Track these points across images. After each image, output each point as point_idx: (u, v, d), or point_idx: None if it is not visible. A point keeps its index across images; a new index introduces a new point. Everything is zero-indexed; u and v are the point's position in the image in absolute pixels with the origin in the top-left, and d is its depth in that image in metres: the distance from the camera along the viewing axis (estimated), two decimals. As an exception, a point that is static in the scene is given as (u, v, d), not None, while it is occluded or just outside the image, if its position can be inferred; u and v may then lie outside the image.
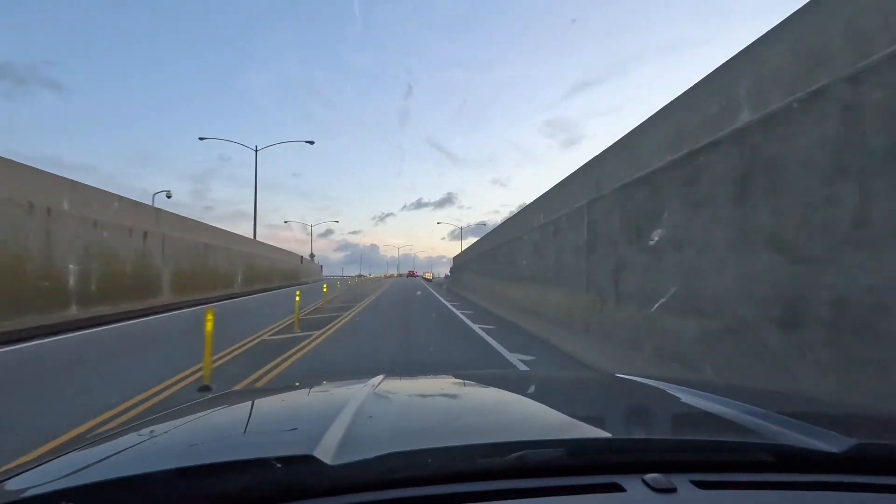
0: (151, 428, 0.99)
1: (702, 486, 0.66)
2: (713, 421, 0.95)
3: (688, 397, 1.13)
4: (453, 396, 1.28)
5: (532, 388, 1.37)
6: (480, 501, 0.63)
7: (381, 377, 1.33)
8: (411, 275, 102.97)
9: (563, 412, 1.09)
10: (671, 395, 1.20)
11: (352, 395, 1.09)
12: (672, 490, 0.63)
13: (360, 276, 76.84)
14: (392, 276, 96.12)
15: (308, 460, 0.66)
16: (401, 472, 0.67)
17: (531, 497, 0.63)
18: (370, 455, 0.67)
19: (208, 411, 1.13)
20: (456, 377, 1.55)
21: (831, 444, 0.75)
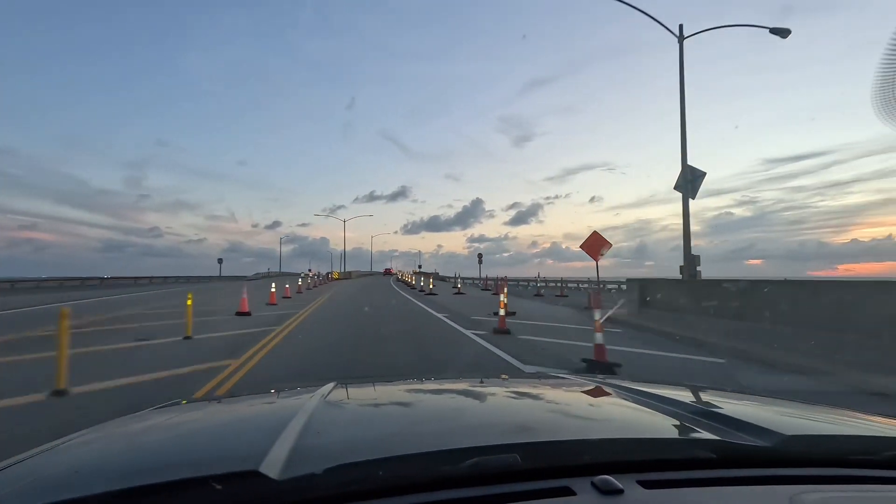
0: (81, 444, 0.92)
1: (647, 485, 0.68)
2: (659, 420, 0.98)
3: (635, 398, 1.17)
4: (406, 404, 1.26)
5: (486, 393, 1.38)
6: None
7: (331, 385, 1.30)
8: (387, 272, 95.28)
9: (516, 416, 1.10)
10: (620, 396, 1.23)
11: (300, 405, 1.06)
12: (619, 492, 0.65)
13: (309, 272, 65.76)
14: (338, 276, 66.42)
15: (253, 477, 0.63)
16: (352, 485, 0.65)
17: None
18: (320, 468, 0.65)
19: (145, 425, 1.07)
20: (408, 383, 1.54)
21: (765, 438, 0.79)
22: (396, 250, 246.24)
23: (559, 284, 32.51)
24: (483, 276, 39.16)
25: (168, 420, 1.16)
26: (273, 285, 18.09)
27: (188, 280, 54.35)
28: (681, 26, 12.84)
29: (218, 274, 63.38)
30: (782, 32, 12.04)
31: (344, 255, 78.42)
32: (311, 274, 55.08)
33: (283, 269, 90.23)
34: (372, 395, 1.37)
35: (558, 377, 1.67)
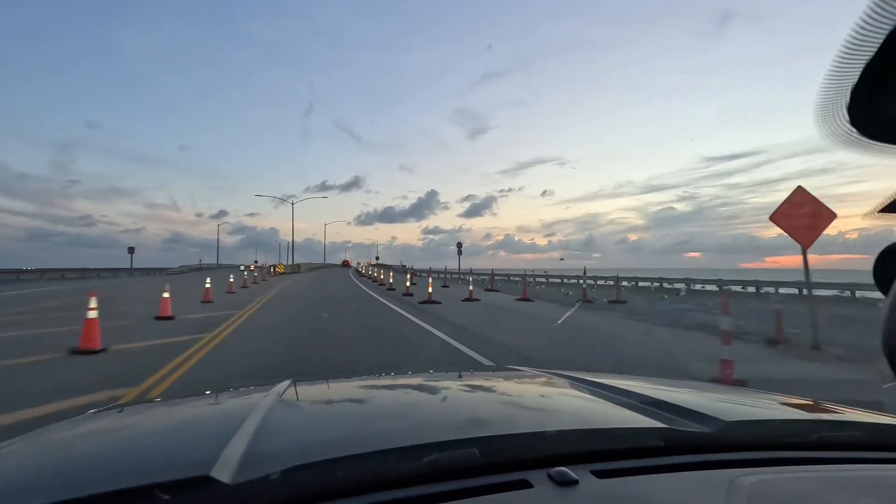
0: (20, 450, 0.86)
1: (600, 475, 0.70)
2: (611, 411, 1.01)
3: (588, 388, 1.20)
4: (364, 401, 1.25)
5: (443, 387, 1.38)
6: None
7: (287, 382, 1.27)
8: (345, 264, 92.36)
9: (473, 410, 1.11)
10: (574, 387, 1.26)
11: (255, 404, 1.02)
12: (574, 482, 0.66)
13: (255, 262, 55.03)
14: (283, 269, 52.29)
15: (204, 482, 0.61)
16: (309, 487, 0.63)
17: (444, 501, 0.63)
18: (274, 471, 0.63)
19: (80, 431, 1.01)
20: (366, 379, 1.52)
21: (708, 425, 0.83)
22: (350, 241, 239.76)
23: (546, 279, 29.83)
24: (461, 268, 34.18)
25: (108, 424, 1.09)
26: (167, 290, 10.87)
27: (100, 274, 44.14)
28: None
29: (129, 266, 49.69)
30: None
31: (292, 244, 65.65)
32: (252, 267, 46.71)
33: (229, 261, 78.13)
34: (329, 393, 1.34)
35: (515, 370, 1.70)
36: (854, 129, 0.31)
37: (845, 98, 0.30)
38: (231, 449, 0.71)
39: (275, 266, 52.76)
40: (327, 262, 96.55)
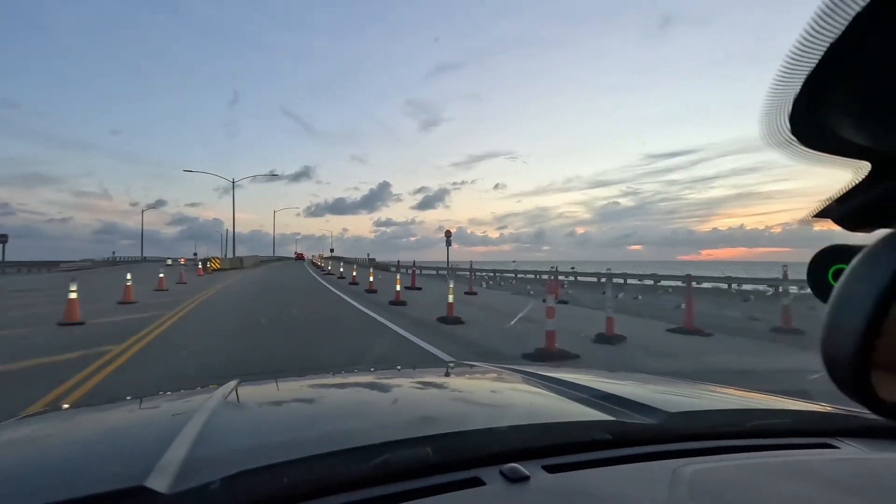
0: None
1: (551, 470, 0.71)
2: (562, 405, 1.03)
3: (540, 383, 1.22)
4: (314, 401, 1.22)
5: (396, 385, 1.36)
6: None
7: (234, 382, 1.22)
8: (300, 257, 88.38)
9: (424, 407, 1.11)
10: (526, 381, 1.27)
11: (198, 406, 0.97)
12: (526, 478, 0.67)
13: (194, 256, 46.48)
14: (219, 264, 36.95)
15: (139, 493, 0.57)
16: (253, 494, 0.61)
17: (397, 502, 0.62)
18: (215, 478, 0.60)
19: (8, 437, 0.94)
20: (317, 378, 1.48)
21: (653, 416, 0.87)
22: (299, 233, 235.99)
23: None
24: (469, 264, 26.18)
25: (33, 432, 1.02)
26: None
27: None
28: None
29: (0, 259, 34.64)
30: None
31: (234, 233, 48.29)
32: (184, 261, 38.75)
33: (168, 253, 66.96)
34: (278, 393, 1.29)
35: (469, 365, 1.70)
36: (795, 139, 0.32)
37: (787, 108, 0.30)
38: (169, 456, 0.68)
39: (207, 260, 36.06)
40: (277, 254, 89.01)
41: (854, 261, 0.32)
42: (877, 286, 0.29)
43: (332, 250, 74.14)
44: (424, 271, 29.21)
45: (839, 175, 0.35)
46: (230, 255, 44.78)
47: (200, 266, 30.30)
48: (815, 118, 0.30)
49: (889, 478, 0.75)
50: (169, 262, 39.66)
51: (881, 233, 0.32)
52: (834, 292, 0.32)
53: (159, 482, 0.59)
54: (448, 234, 24.57)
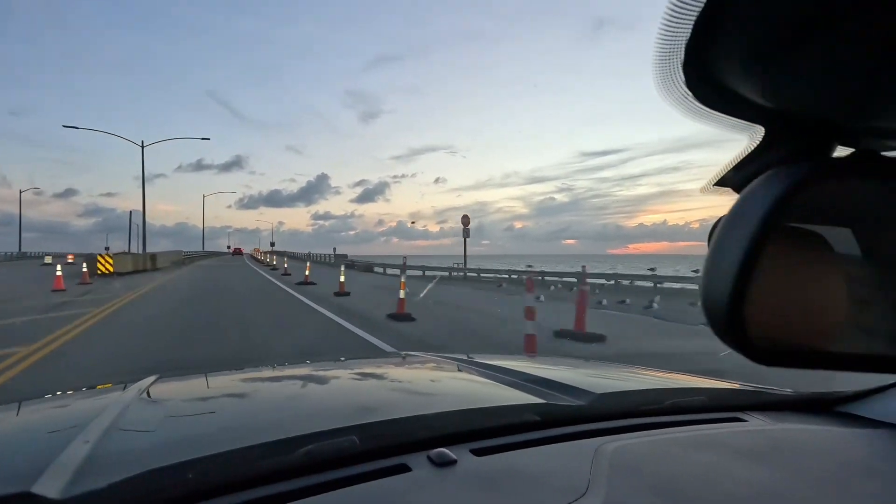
0: None
1: (478, 453, 0.72)
2: (493, 390, 1.05)
3: (477, 370, 1.23)
4: (240, 395, 1.17)
5: (328, 377, 1.34)
6: None
7: (152, 378, 1.15)
8: (237, 252, 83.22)
9: (354, 397, 1.09)
10: (462, 369, 1.28)
11: (109, 403, 0.91)
12: (453, 462, 0.68)
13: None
14: (111, 266, 19.85)
15: (23, 499, 0.53)
16: (152, 495, 0.57)
17: (321, 492, 0.61)
18: (111, 480, 0.56)
19: None
20: (245, 372, 1.43)
21: (581, 398, 0.90)
22: (231, 226, 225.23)
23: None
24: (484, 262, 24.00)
25: None
26: None
27: None
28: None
29: None
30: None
31: (143, 221, 32.83)
32: (70, 259, 25.10)
33: (80, 249, 52.61)
34: (201, 389, 1.23)
35: (409, 355, 1.69)
36: (690, 93, 0.30)
37: (680, 55, 0.28)
38: (65, 458, 0.63)
39: (94, 259, 20.67)
40: (208, 248, 77.19)
41: (731, 207, 0.32)
42: (749, 230, 0.30)
43: (272, 244, 69.95)
44: (428, 273, 21.31)
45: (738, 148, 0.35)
46: (134, 251, 31.97)
47: (86, 268, 17.37)
48: (706, 68, 0.28)
49: (789, 445, 0.81)
50: (48, 259, 28.61)
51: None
52: (712, 240, 0.32)
53: (49, 486, 0.54)
54: (465, 219, 20.43)
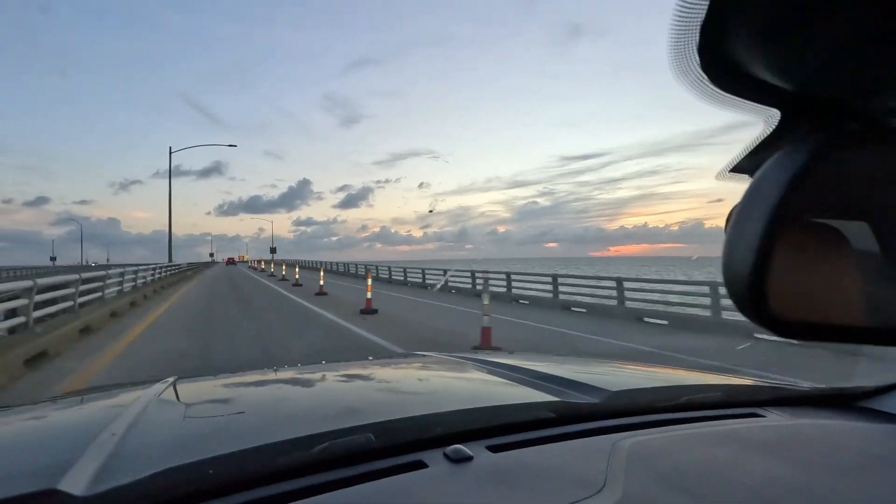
0: None
1: (494, 449, 0.72)
2: (507, 388, 1.05)
3: (489, 369, 1.24)
4: (256, 395, 1.18)
5: (343, 376, 1.35)
6: None
7: (171, 379, 1.17)
8: (231, 261, 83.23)
9: (368, 395, 1.10)
10: (475, 368, 1.29)
11: (128, 404, 0.93)
12: (469, 458, 0.68)
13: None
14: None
15: (49, 496, 0.54)
16: (174, 492, 0.58)
17: (338, 488, 0.61)
18: (134, 477, 0.57)
19: None
20: (260, 373, 1.45)
21: (595, 395, 0.90)
22: (210, 233, 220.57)
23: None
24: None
25: None
26: None
27: None
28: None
29: None
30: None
31: (170, 236, 29.33)
32: None
33: (46, 261, 44.83)
34: (217, 389, 1.25)
35: (419, 355, 1.69)
36: (705, 76, 0.30)
37: (695, 37, 0.27)
38: (89, 456, 0.64)
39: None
40: (187, 259, 57.04)
41: (751, 181, 0.32)
42: (769, 205, 0.30)
43: (273, 249, 62.88)
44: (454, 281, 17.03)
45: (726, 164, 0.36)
46: (122, 260, 21.08)
47: None
48: (721, 49, 0.28)
49: (808, 440, 0.80)
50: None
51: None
52: (732, 216, 0.32)
53: (74, 484, 0.56)
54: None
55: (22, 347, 5.30)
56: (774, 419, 0.88)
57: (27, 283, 6.11)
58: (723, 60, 0.29)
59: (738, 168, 0.37)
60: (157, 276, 17.35)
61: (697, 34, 0.27)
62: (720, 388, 1.03)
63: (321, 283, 15.47)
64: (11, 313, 5.94)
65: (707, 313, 8.41)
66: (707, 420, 0.87)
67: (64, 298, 7.73)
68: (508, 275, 14.35)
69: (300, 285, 18.93)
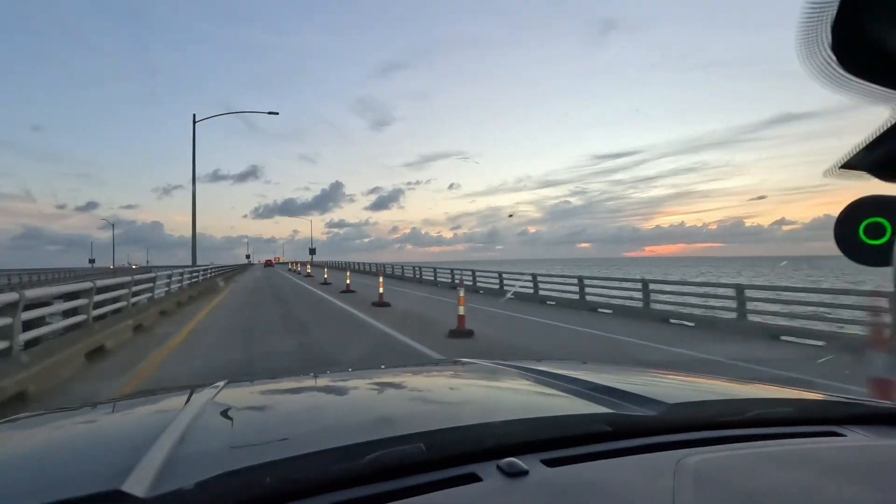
0: None
1: (550, 464, 0.69)
2: (558, 399, 1.02)
3: (535, 377, 1.20)
4: (304, 401, 1.18)
5: (389, 383, 1.34)
6: None
7: (222, 383, 1.18)
8: (269, 263, 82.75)
9: (417, 403, 1.09)
10: (521, 376, 1.25)
11: (182, 407, 0.94)
12: (524, 473, 0.65)
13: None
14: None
15: (114, 497, 0.55)
16: (235, 495, 0.58)
17: (390, 501, 0.60)
18: (194, 481, 0.57)
19: None
20: (307, 378, 1.45)
21: (652, 408, 0.85)
22: (246, 236, 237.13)
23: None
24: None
25: (16, 436, 0.98)
26: None
27: None
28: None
29: None
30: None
31: (194, 238, 22.00)
32: None
33: (99, 262, 44.08)
34: (267, 394, 1.26)
35: (463, 362, 1.64)
36: (833, 58, 0.27)
37: (831, 13, 0.25)
38: (149, 458, 0.65)
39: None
40: (217, 262, 56.25)
41: None
42: None
43: (312, 250, 61.23)
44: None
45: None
46: (167, 262, 20.61)
47: None
48: (860, 26, 0.25)
49: (894, 463, 0.74)
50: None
51: None
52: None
53: (137, 485, 0.56)
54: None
55: (83, 342, 6.22)
56: (856, 439, 0.82)
57: (87, 285, 6.92)
58: (859, 38, 0.26)
59: (850, 164, 0.33)
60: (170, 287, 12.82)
61: (835, 8, 0.25)
62: (791, 403, 0.97)
63: (381, 290, 13.16)
64: (73, 312, 6.71)
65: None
66: (778, 438, 0.81)
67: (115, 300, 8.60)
68: (535, 276, 15.09)
69: (354, 291, 16.75)
